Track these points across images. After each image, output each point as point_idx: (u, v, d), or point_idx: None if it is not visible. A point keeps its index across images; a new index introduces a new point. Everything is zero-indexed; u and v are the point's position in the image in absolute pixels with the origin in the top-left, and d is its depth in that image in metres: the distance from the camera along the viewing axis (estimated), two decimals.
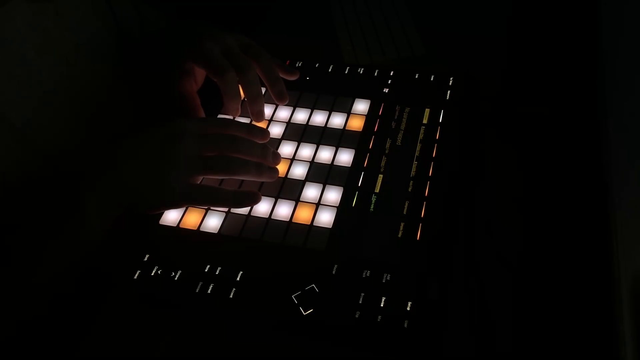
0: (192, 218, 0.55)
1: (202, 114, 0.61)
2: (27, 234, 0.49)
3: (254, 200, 0.55)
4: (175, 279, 0.51)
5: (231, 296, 0.49)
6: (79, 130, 0.60)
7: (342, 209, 0.55)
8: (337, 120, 0.63)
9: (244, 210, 0.55)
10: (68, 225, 0.50)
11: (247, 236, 0.53)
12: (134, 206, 0.53)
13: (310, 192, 0.56)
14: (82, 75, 0.60)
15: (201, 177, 0.56)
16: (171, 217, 0.56)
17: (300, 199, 0.56)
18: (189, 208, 0.56)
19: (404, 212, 0.54)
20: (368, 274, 0.50)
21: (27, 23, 0.54)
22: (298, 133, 0.62)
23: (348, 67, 0.69)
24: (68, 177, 0.53)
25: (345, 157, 0.59)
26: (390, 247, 0.52)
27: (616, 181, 0.56)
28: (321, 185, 0.57)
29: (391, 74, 0.68)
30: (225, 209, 0.56)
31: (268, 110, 0.64)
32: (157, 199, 0.53)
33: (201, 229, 0.54)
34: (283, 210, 0.55)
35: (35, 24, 0.55)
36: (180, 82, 0.62)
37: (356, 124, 0.62)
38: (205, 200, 0.55)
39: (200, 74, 0.65)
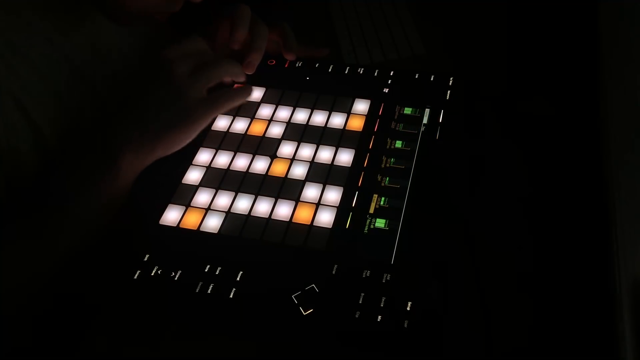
0: (192, 218, 0.55)
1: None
2: (57, 188, 0.54)
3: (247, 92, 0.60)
4: (175, 279, 0.51)
5: (231, 296, 0.49)
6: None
7: (342, 209, 0.55)
8: (337, 120, 0.63)
9: (244, 210, 0.55)
10: (101, 177, 0.54)
11: (247, 236, 0.53)
12: (165, 144, 0.55)
13: (310, 192, 0.56)
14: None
15: (204, 87, 0.57)
16: (171, 217, 0.56)
17: (300, 199, 0.56)
18: (189, 208, 0.56)
19: (404, 212, 0.54)
20: (368, 274, 0.50)
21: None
22: (298, 133, 0.62)
23: (348, 67, 0.69)
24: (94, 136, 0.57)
25: (345, 157, 0.59)
26: (390, 247, 0.52)
27: (616, 181, 0.56)
28: (321, 185, 0.57)
29: (391, 74, 0.67)
30: (226, 208, 0.56)
31: (268, 110, 0.64)
32: (182, 121, 0.55)
33: (201, 229, 0.54)
34: (283, 210, 0.55)
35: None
36: None
37: (356, 124, 0.62)
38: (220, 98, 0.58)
39: None
